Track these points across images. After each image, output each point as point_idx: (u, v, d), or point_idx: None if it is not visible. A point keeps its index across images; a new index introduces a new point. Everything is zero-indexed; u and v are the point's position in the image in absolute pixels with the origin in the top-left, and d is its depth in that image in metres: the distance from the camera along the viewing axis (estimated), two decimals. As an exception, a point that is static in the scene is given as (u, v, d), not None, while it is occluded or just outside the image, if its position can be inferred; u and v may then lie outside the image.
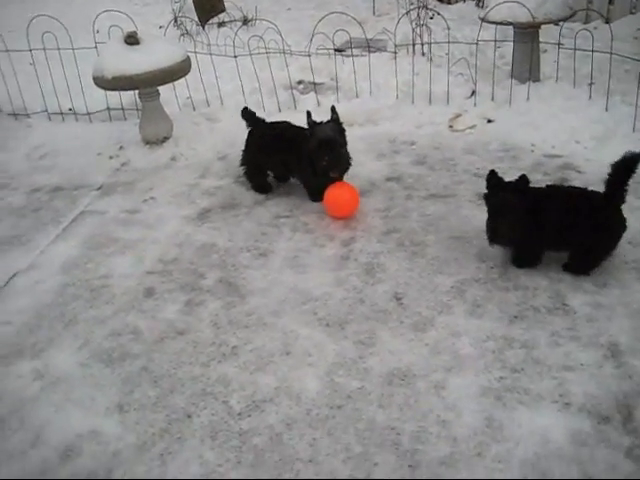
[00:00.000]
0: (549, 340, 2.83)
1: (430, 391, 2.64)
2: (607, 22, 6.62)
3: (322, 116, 3.91)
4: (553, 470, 2.28)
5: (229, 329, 3.08)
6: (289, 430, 2.53)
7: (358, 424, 2.53)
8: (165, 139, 4.78)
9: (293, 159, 3.99)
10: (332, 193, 3.83)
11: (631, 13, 6.83)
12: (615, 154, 4.17)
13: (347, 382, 2.72)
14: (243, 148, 4.23)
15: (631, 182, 3.06)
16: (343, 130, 3.86)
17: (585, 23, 6.74)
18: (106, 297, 3.37)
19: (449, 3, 7.91)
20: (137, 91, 4.73)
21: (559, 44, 4.67)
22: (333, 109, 3.88)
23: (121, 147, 4.87)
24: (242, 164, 4.21)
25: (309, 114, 3.83)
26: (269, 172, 4.25)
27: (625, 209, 3.65)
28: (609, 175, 3.04)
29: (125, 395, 2.76)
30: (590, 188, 3.22)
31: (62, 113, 5.47)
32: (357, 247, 3.60)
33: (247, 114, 4.26)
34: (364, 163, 4.39)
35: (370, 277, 3.35)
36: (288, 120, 4.23)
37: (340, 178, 3.87)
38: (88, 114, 5.33)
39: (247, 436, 2.52)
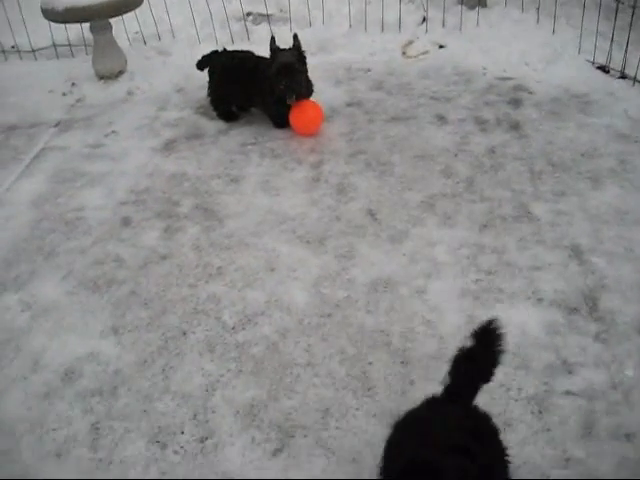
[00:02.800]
0: (517, 245, 3.03)
1: (413, 295, 2.81)
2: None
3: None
4: (532, 356, 2.49)
5: (211, 251, 3.16)
6: (284, 339, 2.66)
7: (349, 329, 2.68)
8: (120, 73, 4.71)
9: (255, 88, 4.01)
10: (298, 110, 3.94)
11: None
12: (563, 75, 4.40)
13: (333, 292, 2.86)
14: (207, 80, 4.21)
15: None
16: (304, 57, 3.91)
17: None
18: (82, 228, 3.38)
19: None
20: (88, 25, 4.61)
21: (508, -31, 4.79)
22: (295, 36, 3.91)
23: (73, 84, 4.76)
24: (208, 95, 4.20)
25: (273, 39, 3.86)
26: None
27: (575, 125, 3.89)
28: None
29: (118, 318, 2.83)
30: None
31: (4, 51, 5.27)
32: (326, 169, 3.69)
33: (203, 63, 4.20)
34: (323, 90, 4.42)
35: (343, 196, 3.46)
36: (250, 50, 4.23)
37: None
38: (33, 51, 5.16)
39: (244, 347, 2.64)
